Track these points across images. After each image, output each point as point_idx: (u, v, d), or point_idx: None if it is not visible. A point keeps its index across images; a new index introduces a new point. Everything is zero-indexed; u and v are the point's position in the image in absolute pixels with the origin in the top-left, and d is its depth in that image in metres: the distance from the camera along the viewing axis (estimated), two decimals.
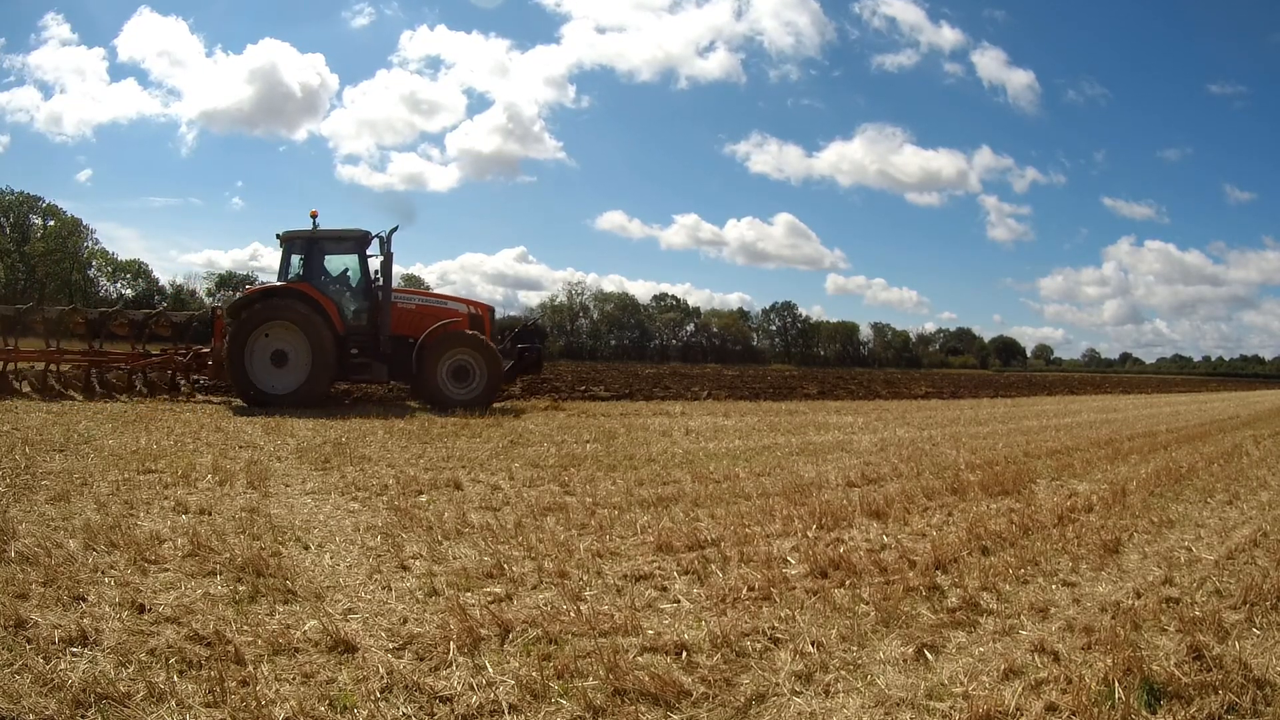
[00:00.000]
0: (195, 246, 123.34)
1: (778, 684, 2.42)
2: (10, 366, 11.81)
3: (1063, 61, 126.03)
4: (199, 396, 12.54)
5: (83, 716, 2.08)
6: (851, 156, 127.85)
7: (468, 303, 13.22)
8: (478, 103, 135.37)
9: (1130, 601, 3.24)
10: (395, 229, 12.03)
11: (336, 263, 12.56)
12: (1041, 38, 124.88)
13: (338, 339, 11.60)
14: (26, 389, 11.53)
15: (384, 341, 11.98)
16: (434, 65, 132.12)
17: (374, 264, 12.38)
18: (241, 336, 11.19)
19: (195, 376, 12.76)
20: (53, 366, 12.11)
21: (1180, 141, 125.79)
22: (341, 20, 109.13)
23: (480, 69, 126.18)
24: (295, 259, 12.22)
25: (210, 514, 4.31)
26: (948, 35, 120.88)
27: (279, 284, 11.82)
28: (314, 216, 12.25)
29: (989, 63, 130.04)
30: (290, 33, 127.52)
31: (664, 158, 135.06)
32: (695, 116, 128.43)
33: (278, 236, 12.39)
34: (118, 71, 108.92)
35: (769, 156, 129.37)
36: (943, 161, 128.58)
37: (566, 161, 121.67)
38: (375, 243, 12.35)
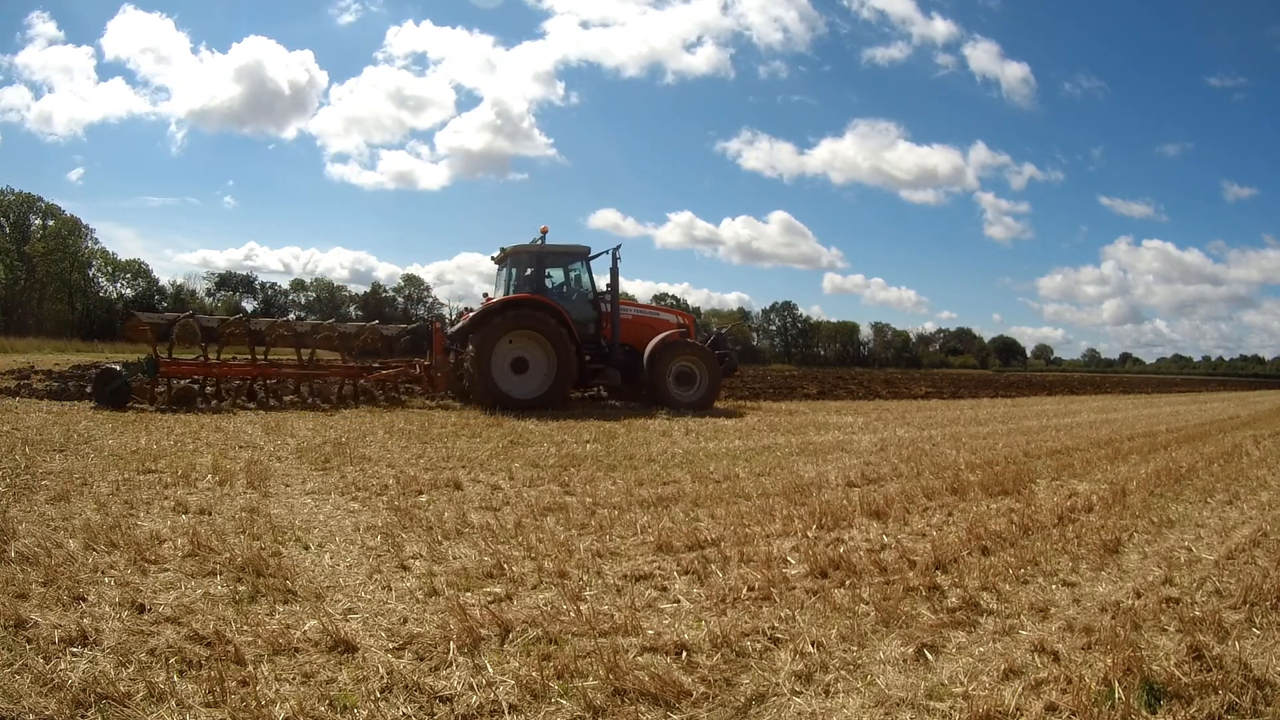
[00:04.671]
0: (191, 246, 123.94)
1: (778, 684, 2.41)
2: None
3: (1058, 54, 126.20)
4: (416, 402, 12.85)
5: (83, 716, 2.08)
6: (844, 154, 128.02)
7: (675, 313, 14.80)
8: (466, 99, 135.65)
9: (1130, 601, 3.24)
10: (619, 246, 13.30)
11: (558, 276, 13.48)
12: (1036, 30, 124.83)
13: (577, 346, 12.38)
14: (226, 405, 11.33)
15: (615, 348, 13.04)
16: (421, 62, 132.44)
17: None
18: (488, 345, 11.79)
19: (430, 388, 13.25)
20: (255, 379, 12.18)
21: (1179, 136, 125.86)
22: (328, 17, 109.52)
23: (467, 65, 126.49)
24: (519, 272, 13.10)
25: (210, 514, 4.31)
26: (939, 27, 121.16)
27: (521, 295, 12.53)
28: (544, 233, 13.13)
29: (982, 56, 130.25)
30: (278, 30, 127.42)
31: (655, 155, 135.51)
32: (685, 113, 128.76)
33: (502, 250, 13.39)
34: (105, 70, 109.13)
35: (760, 154, 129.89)
36: (938, 158, 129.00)
37: (558, 159, 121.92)
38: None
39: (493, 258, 13.95)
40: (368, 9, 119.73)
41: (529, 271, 13.05)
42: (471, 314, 12.83)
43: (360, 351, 13.37)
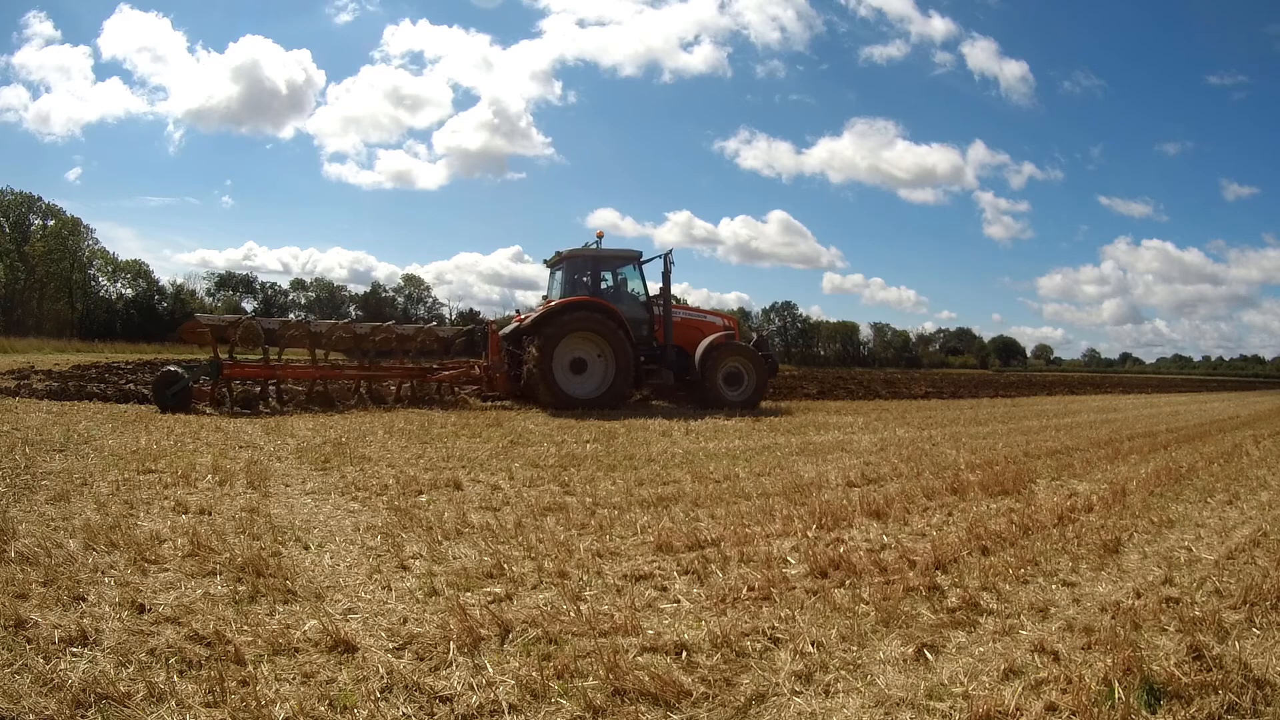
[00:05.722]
0: (190, 246, 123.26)
1: (778, 684, 2.41)
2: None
3: (1056, 52, 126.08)
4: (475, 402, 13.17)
5: (83, 716, 2.08)
6: (842, 153, 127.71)
7: (720, 315, 15.37)
8: (463, 98, 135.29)
9: (1130, 601, 3.24)
10: (671, 251, 13.57)
11: (609, 279, 13.99)
12: (1034, 27, 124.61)
13: (634, 348, 12.85)
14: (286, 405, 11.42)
15: (669, 350, 13.51)
16: (418, 61, 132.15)
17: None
18: (550, 346, 12.19)
19: (488, 389, 13.64)
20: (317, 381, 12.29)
21: (1179, 135, 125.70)
22: (325, 16, 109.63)
23: (465, 64, 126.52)
24: (574, 275, 13.54)
25: (210, 514, 4.31)
26: (937, 25, 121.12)
27: (580, 298, 13.01)
28: (599, 238, 13.92)
29: (980, 54, 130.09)
30: (275, 29, 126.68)
31: (653, 154, 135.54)
32: (682, 112, 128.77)
33: (557, 253, 13.90)
34: (102, 70, 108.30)
35: (759, 153, 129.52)
36: (936, 157, 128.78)
37: (555, 158, 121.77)
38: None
39: (545, 261, 14.43)
40: (364, 8, 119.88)
41: (585, 274, 13.50)
42: (529, 316, 13.19)
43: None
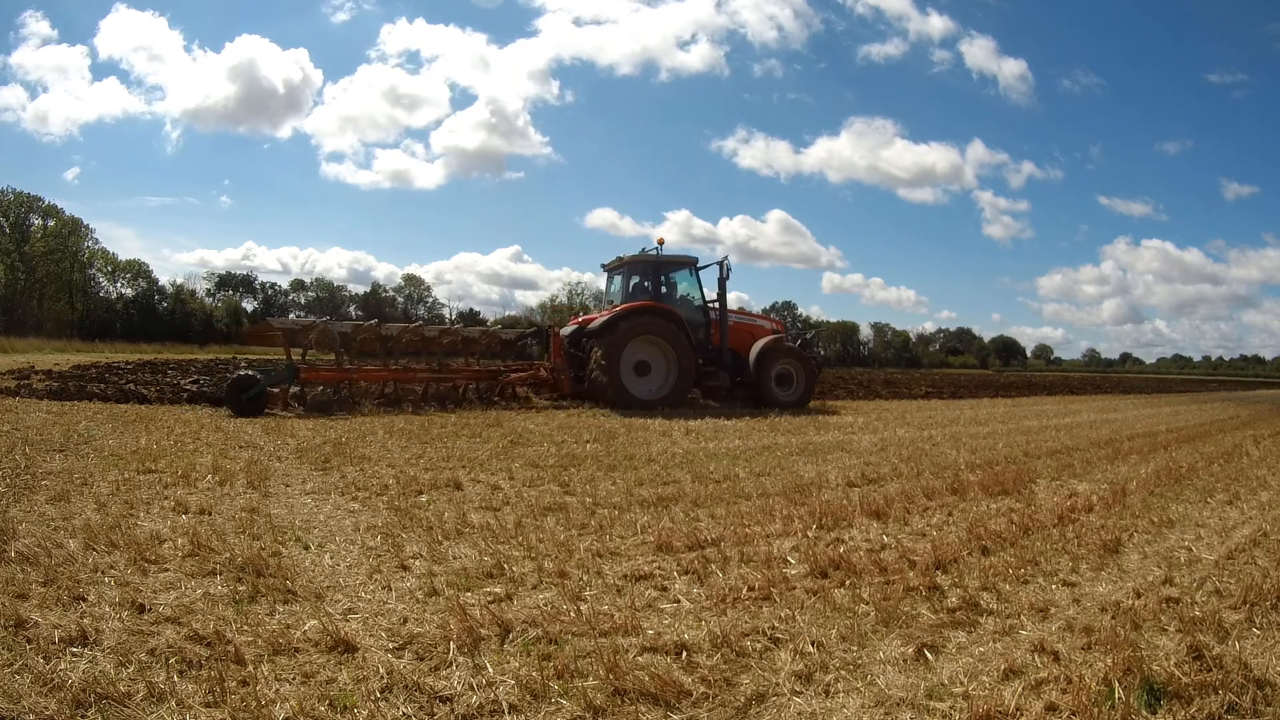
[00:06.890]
0: (189, 245, 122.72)
1: (778, 684, 2.42)
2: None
3: (1055, 50, 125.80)
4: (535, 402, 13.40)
5: (83, 716, 2.08)
6: (841, 152, 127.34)
7: (769, 319, 15.99)
8: (461, 97, 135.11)
9: (1130, 601, 3.24)
10: (727, 257, 14.07)
11: (669, 284, 14.43)
12: (1032, 25, 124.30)
13: (694, 350, 13.31)
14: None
15: (725, 353, 13.96)
16: (415, 60, 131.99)
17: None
18: (618, 348, 12.66)
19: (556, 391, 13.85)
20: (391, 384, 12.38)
21: (1178, 134, 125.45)
22: (322, 15, 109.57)
23: (462, 63, 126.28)
24: (635, 280, 14.10)
25: (210, 514, 4.31)
26: (935, 24, 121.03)
27: (645, 302, 13.46)
28: (660, 244, 14.29)
29: (978, 52, 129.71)
30: (271, 28, 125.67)
31: (651, 153, 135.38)
32: (680, 111, 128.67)
33: (618, 258, 14.45)
34: (100, 70, 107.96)
35: (757, 152, 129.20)
36: (935, 156, 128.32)
37: (553, 158, 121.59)
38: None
39: (604, 265, 14.93)
40: (361, 7, 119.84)
41: (646, 279, 13.99)
42: (591, 319, 13.63)
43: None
